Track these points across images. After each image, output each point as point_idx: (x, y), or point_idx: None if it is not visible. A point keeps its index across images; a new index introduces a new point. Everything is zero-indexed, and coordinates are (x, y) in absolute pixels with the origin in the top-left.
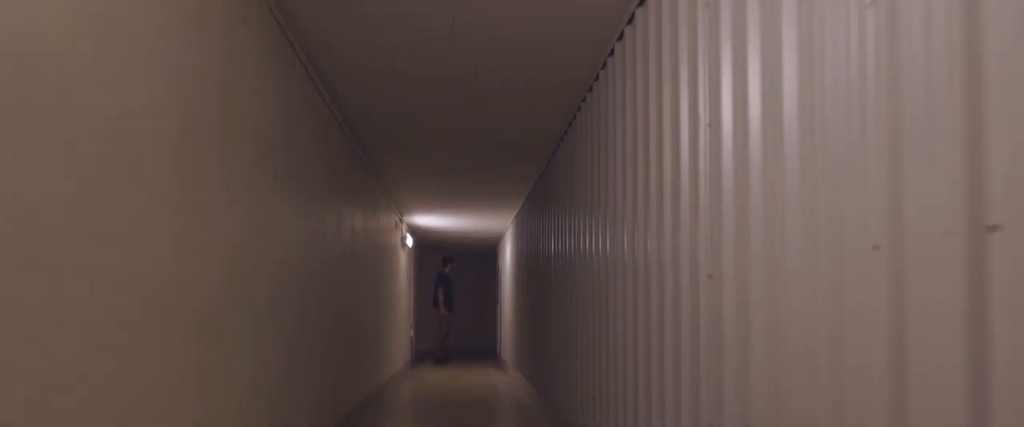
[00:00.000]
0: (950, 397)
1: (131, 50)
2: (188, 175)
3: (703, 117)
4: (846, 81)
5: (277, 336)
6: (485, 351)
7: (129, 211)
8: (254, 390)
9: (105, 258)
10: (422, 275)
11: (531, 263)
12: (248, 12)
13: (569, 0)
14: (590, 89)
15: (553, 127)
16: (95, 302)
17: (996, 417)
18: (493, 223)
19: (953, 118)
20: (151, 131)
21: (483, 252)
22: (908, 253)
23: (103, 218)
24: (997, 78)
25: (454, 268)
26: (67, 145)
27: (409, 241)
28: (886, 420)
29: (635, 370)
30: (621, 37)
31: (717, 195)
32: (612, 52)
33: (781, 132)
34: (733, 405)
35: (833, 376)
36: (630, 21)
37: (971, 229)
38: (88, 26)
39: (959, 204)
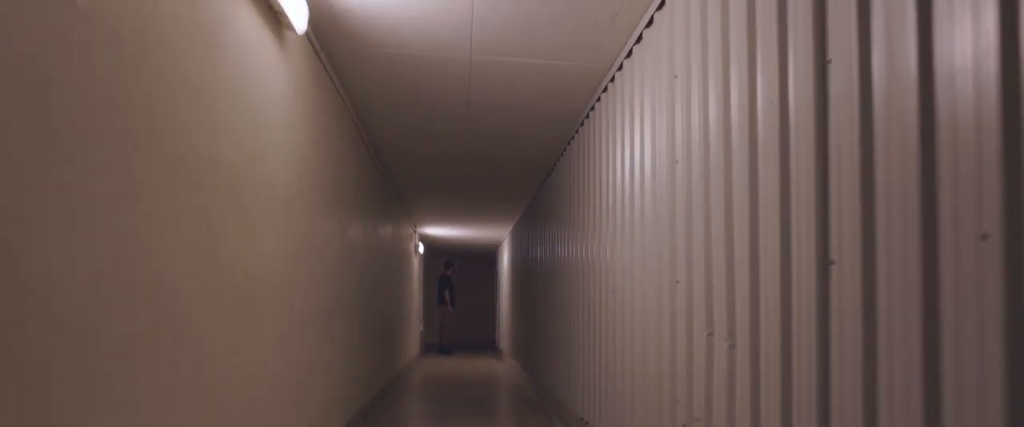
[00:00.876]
0: (700, 373)
1: (300, 159)
2: (325, 226)
3: (613, 175)
4: (667, 178)
5: (351, 329)
6: (485, 343)
7: (315, 254)
8: (346, 366)
9: (307, 282)
10: (429, 278)
11: (524, 268)
12: (345, 125)
13: (550, 106)
14: (564, 151)
15: (540, 170)
16: (301, 303)
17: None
18: (493, 233)
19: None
20: (308, 203)
21: (484, 257)
22: (701, 290)
23: (304, 261)
24: (742, 198)
25: (455, 270)
26: (285, 223)
27: (421, 249)
28: (686, 382)
29: (579, 347)
30: (578, 130)
31: (611, 234)
32: (574, 135)
33: (633, 200)
34: (617, 366)
35: (646, 353)
36: (587, 116)
37: (705, 276)
38: (282, 154)
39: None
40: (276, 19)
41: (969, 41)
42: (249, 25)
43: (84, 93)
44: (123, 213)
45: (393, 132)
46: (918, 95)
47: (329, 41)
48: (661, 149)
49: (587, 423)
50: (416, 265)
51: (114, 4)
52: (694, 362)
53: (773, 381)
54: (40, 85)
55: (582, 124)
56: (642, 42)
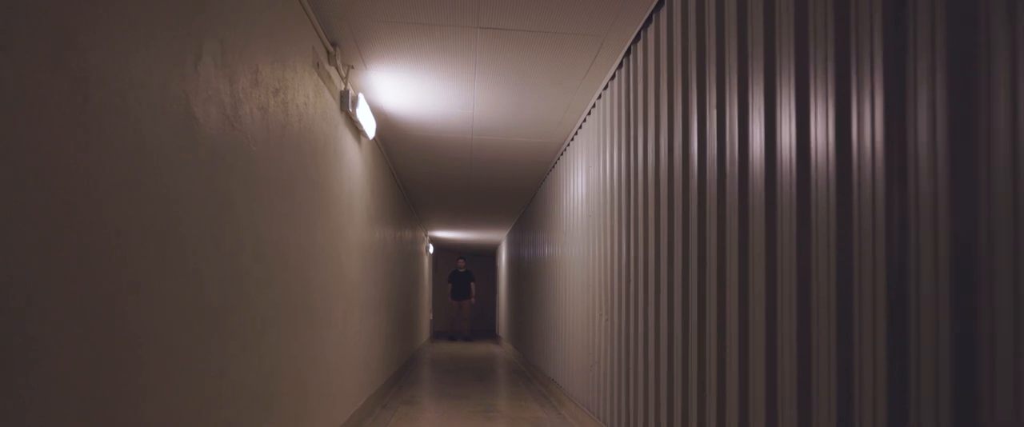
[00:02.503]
0: (606, 346)
1: (366, 205)
2: (376, 240)
3: (565, 205)
4: (586, 223)
5: (388, 314)
6: (487, 331)
7: (371, 261)
8: (386, 342)
9: (368, 281)
10: (438, 274)
11: (517, 268)
12: (384, 167)
13: (526, 161)
14: (541, 185)
15: (526, 194)
16: (366, 295)
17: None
18: (492, 236)
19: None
20: (368, 229)
21: (485, 255)
22: (598, 286)
23: (367, 266)
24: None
25: (465, 264)
26: (344, 238)
27: (430, 249)
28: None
29: (549, 328)
30: (548, 173)
31: (563, 249)
32: (546, 175)
33: (575, 231)
34: (568, 338)
35: (573, 325)
36: (553, 166)
37: (592, 276)
38: (359, 204)
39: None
40: (358, 132)
41: (737, 143)
42: (350, 140)
43: (304, 206)
44: (303, 256)
45: (415, 172)
46: (677, 178)
47: (385, 135)
48: (584, 205)
49: (553, 380)
50: (426, 263)
51: (310, 154)
52: (596, 330)
53: (619, 339)
54: (290, 193)
55: (550, 170)
56: (579, 132)
